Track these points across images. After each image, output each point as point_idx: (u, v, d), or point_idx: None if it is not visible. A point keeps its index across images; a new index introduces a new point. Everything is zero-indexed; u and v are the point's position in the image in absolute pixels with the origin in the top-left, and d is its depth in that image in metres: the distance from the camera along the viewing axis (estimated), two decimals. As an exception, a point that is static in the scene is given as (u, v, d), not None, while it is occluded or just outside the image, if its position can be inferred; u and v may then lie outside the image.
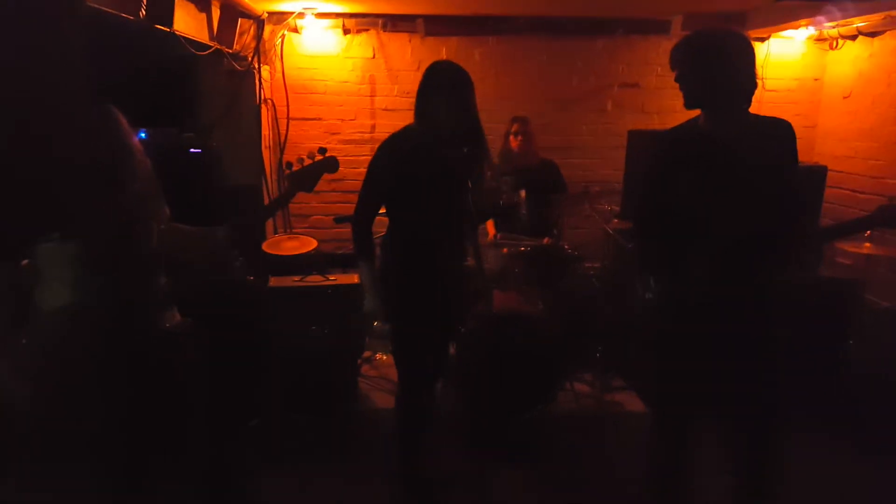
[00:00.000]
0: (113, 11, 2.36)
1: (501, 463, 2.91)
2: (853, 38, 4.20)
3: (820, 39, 4.42)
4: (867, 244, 3.13)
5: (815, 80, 4.50)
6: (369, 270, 2.45)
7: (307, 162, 2.12)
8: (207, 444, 2.20)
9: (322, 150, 2.14)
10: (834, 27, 4.16)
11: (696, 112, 2.02)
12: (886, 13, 3.59)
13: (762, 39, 4.43)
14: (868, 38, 4.09)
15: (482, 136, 2.42)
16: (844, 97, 4.32)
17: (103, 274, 1.80)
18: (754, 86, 1.92)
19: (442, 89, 2.29)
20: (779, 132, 1.94)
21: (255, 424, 3.12)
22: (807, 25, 4.12)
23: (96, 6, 2.26)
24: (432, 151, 2.32)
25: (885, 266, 3.59)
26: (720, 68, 1.87)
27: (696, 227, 1.97)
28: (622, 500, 2.64)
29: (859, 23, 3.95)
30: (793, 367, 2.51)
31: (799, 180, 2.02)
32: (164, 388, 1.93)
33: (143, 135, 2.88)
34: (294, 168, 2.12)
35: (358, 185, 4.48)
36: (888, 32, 3.91)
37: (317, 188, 4.86)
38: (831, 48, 4.41)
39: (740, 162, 1.90)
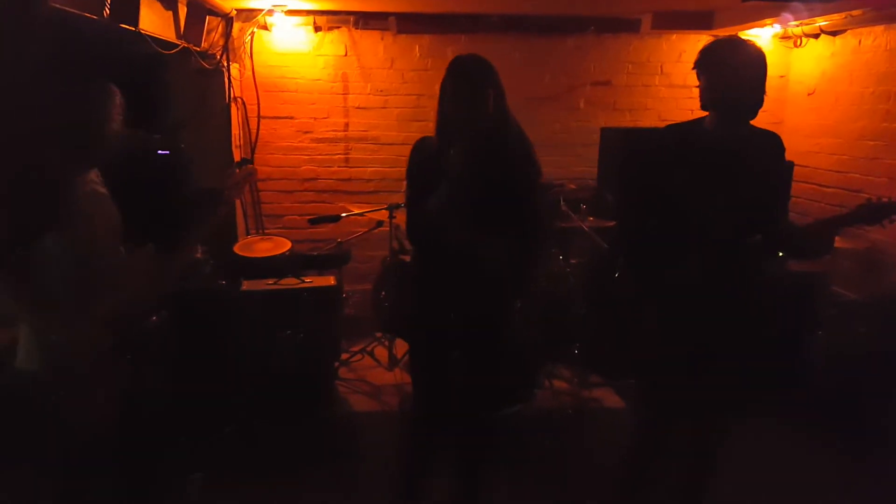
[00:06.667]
0: (76, 11, 2.28)
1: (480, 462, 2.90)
2: (816, 36, 4.30)
3: (785, 37, 4.52)
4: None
5: (781, 77, 4.59)
6: None
7: (237, 172, 2.17)
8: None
9: (245, 161, 2.24)
10: (798, 26, 4.25)
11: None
12: (847, 13, 3.68)
13: (729, 37, 4.51)
14: (830, 37, 4.19)
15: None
16: (808, 94, 4.42)
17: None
18: (762, 99, 2.02)
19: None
20: (772, 143, 2.10)
21: (229, 431, 3.05)
22: (772, 24, 4.21)
23: (59, 6, 2.18)
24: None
25: (850, 259, 3.69)
26: (741, 76, 1.99)
27: (688, 223, 2.05)
28: (602, 497, 2.65)
29: (822, 22, 4.05)
30: (764, 357, 2.59)
31: (786, 189, 2.20)
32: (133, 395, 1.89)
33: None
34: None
35: (331, 184, 4.52)
36: (849, 31, 4.02)
37: (290, 188, 4.82)
38: (795, 46, 4.51)
39: (740, 166, 2.02)
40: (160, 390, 2.39)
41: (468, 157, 2.01)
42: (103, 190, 1.91)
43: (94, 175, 1.89)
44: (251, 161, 2.30)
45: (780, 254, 3.55)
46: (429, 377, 2.33)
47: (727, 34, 4.38)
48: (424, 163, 2.10)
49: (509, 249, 2.10)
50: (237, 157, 4.18)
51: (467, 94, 1.99)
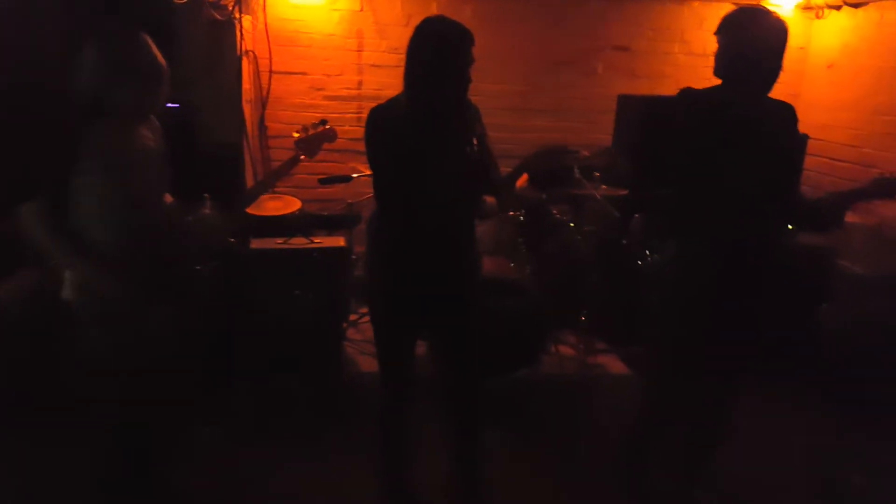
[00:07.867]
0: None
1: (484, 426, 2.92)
2: (838, 8, 4.21)
3: (807, 8, 4.43)
4: (844, 212, 3.21)
5: (801, 48, 4.51)
6: None
7: (311, 132, 2.29)
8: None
9: (323, 122, 2.32)
10: (821, -4, 4.17)
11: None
12: (873, -16, 3.61)
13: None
14: (853, 9, 4.11)
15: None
16: (828, 67, 4.36)
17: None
18: (778, 72, 2.01)
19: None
20: (785, 114, 2.09)
21: (237, 389, 3.08)
22: (795, -7, 4.13)
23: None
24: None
25: (859, 233, 3.69)
26: (759, 46, 1.99)
27: (703, 192, 2.06)
28: (604, 462, 2.68)
29: (846, -8, 3.97)
30: (769, 329, 2.62)
31: (799, 161, 2.22)
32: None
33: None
34: (301, 136, 2.26)
35: (343, 144, 4.43)
36: (872, 4, 3.94)
37: (299, 146, 4.68)
38: (817, 17, 4.42)
39: (753, 135, 2.02)
40: (196, 335, 2.47)
41: (465, 130, 2.02)
42: (154, 146, 1.96)
43: (145, 130, 1.94)
44: (326, 122, 2.36)
45: (790, 226, 3.56)
46: (394, 360, 2.27)
47: (750, 2, 4.32)
48: (399, 132, 2.01)
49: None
50: (247, 113, 4.12)
51: (459, 68, 1.96)
